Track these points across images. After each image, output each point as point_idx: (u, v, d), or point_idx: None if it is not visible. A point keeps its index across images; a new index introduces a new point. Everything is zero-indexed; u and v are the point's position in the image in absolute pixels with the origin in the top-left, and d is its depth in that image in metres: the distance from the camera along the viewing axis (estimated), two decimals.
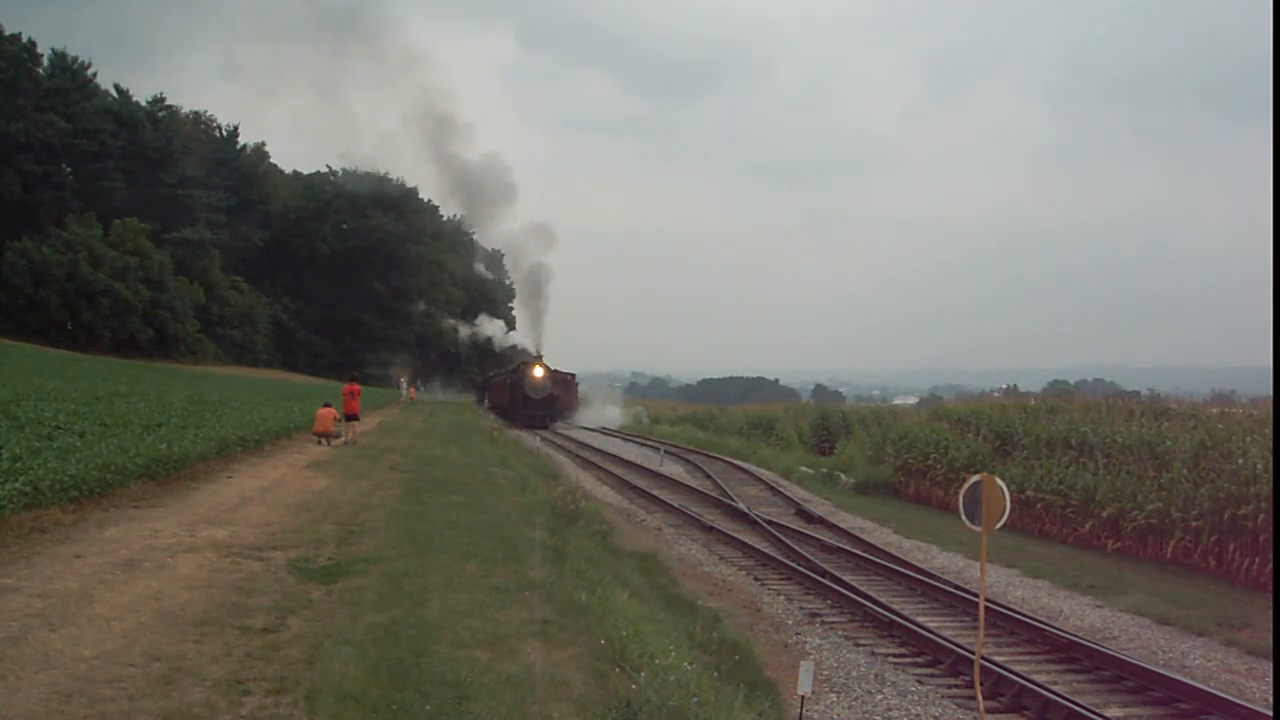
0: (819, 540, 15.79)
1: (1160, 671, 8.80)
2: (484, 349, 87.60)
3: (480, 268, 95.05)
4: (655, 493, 21.19)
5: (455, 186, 67.93)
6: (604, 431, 44.76)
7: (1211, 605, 12.11)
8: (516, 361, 56.48)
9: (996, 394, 34.60)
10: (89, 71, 70.49)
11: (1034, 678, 8.46)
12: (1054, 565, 14.65)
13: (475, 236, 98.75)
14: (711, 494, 21.06)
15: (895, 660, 9.49)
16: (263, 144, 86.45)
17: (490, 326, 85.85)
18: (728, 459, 29.62)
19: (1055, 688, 8.24)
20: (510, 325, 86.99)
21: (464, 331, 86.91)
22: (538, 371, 47.64)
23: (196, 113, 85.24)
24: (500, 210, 70.42)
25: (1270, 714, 7.58)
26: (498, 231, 71.93)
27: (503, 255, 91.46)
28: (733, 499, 20.00)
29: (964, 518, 7.27)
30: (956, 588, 12.17)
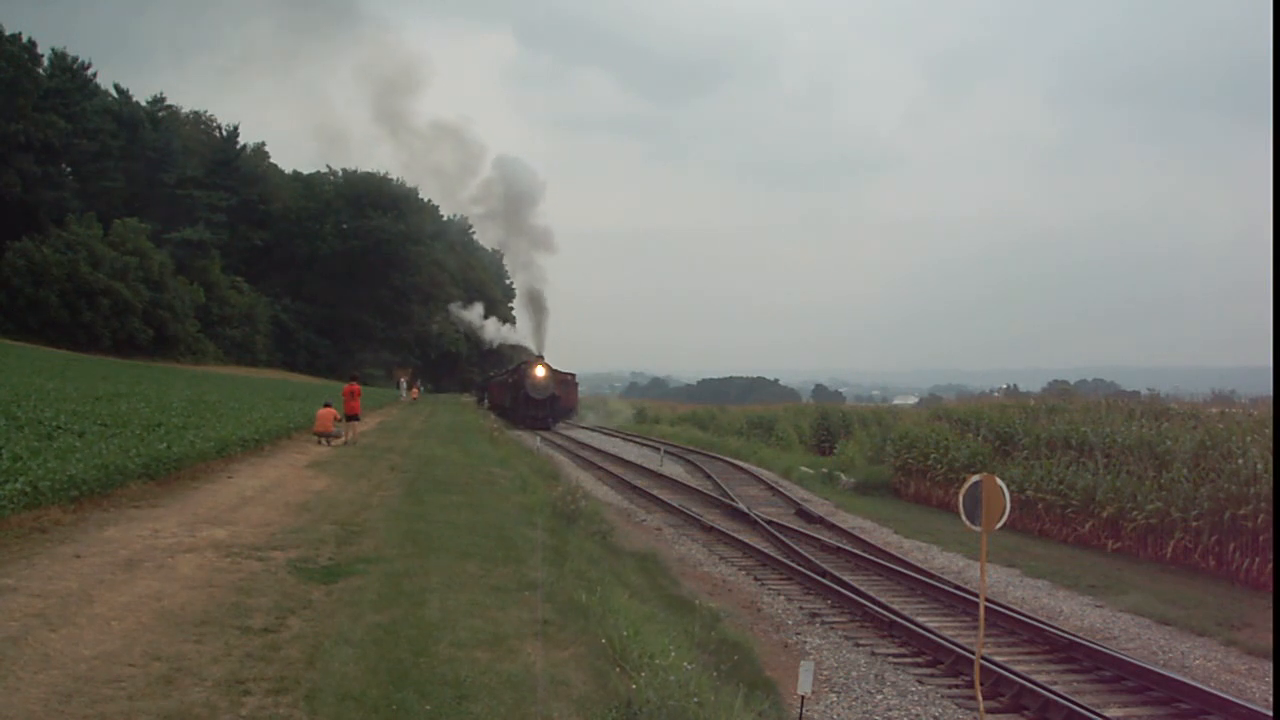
0: (819, 540, 15.79)
1: (1160, 671, 8.80)
2: (485, 349, 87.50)
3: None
4: (655, 493, 21.19)
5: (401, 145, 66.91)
6: (604, 431, 44.75)
7: (1211, 605, 12.11)
8: (517, 360, 56.12)
9: (996, 394, 34.57)
10: (89, 71, 70.55)
11: (1034, 678, 8.46)
12: (1054, 565, 14.65)
13: (475, 235, 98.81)
14: (711, 494, 21.05)
15: (895, 660, 9.49)
16: (263, 144, 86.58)
17: (469, 314, 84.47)
18: (728, 459, 29.62)
19: (1055, 688, 8.24)
20: (491, 317, 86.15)
21: (437, 324, 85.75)
22: (540, 371, 46.65)
23: (196, 113, 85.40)
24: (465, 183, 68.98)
25: (1270, 714, 7.58)
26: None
27: (502, 255, 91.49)
28: (733, 499, 19.99)
29: (964, 518, 7.27)
30: (956, 588, 12.17)
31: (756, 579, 13.12)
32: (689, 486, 22.55)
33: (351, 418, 21.29)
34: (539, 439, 32.42)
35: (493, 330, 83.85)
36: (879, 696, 8.39)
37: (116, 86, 75.27)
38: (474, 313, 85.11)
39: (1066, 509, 17.11)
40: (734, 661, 8.15)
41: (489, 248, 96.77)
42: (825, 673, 8.94)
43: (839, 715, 7.98)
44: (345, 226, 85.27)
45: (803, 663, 7.11)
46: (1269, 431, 14.80)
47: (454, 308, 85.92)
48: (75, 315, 55.22)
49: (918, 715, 8.01)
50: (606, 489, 22.53)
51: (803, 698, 7.04)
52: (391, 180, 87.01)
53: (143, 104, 76.62)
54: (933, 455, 21.97)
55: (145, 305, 58.75)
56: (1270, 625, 10.76)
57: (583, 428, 46.89)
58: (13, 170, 58.08)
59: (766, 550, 14.67)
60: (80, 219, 58.49)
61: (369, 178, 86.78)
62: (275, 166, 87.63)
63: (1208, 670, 9.56)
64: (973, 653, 8.14)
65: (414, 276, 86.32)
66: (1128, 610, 11.87)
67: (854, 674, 8.96)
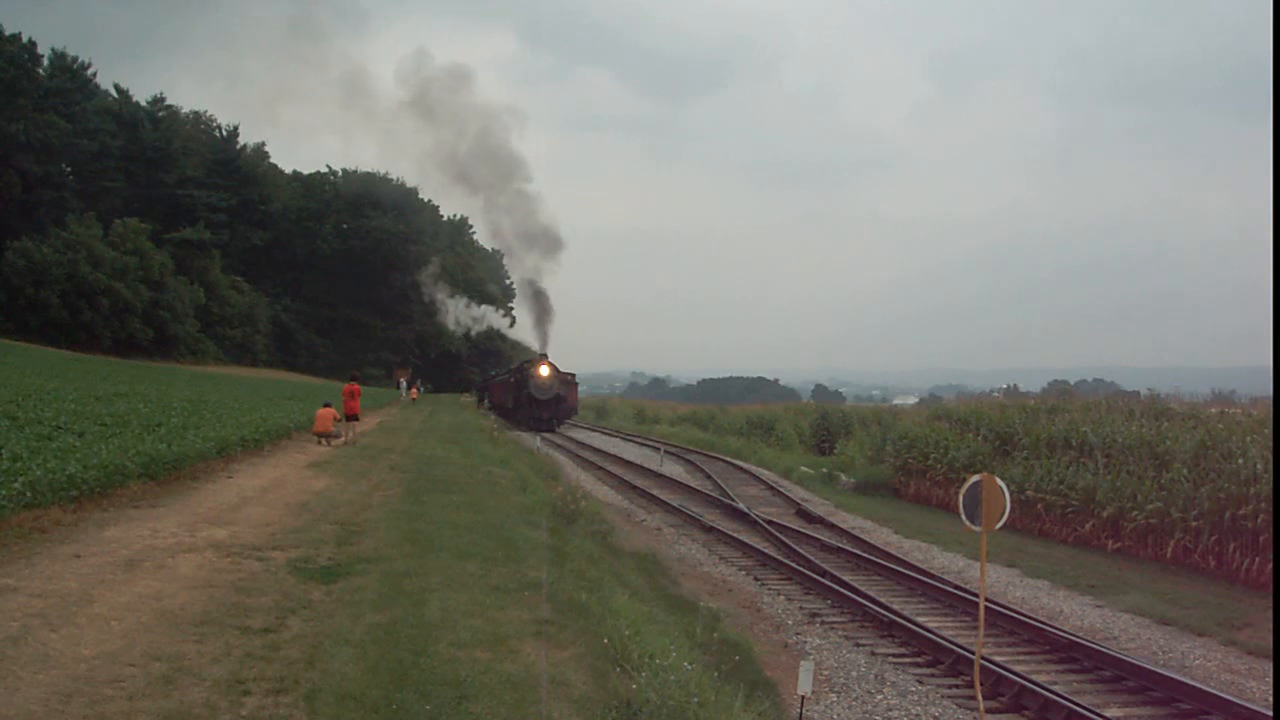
0: (819, 540, 15.78)
1: (1160, 671, 8.80)
2: (485, 348, 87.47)
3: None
4: (655, 493, 21.19)
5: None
6: (604, 431, 44.68)
7: (1211, 605, 12.11)
8: (518, 359, 55.38)
9: (996, 394, 34.54)
10: (89, 71, 70.55)
11: (1034, 678, 8.46)
12: (1054, 565, 14.65)
13: (475, 236, 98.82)
14: (711, 494, 21.05)
15: (895, 660, 9.48)
16: (263, 144, 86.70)
17: (424, 272, 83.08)
18: (728, 459, 29.61)
19: (1055, 688, 8.24)
20: (462, 298, 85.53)
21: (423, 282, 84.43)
22: (543, 370, 43.56)
23: (196, 113, 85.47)
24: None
25: (1270, 714, 7.58)
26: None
27: (503, 255, 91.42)
28: (733, 499, 19.99)
29: (964, 518, 7.26)
30: (956, 588, 12.17)
31: (757, 579, 13.12)
32: (689, 486, 22.55)
33: (351, 418, 21.29)
34: (539, 439, 32.39)
35: (457, 308, 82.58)
36: (879, 696, 8.39)
37: (116, 86, 75.46)
38: (427, 271, 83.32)
39: (1066, 509, 17.10)
40: (734, 662, 8.15)
41: (489, 247, 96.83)
42: (825, 673, 8.94)
43: (839, 715, 7.97)
44: (345, 226, 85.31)
45: (803, 663, 7.11)
46: (1269, 431, 14.80)
47: (422, 278, 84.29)
48: (75, 315, 55.24)
49: (918, 715, 8.01)
50: (606, 489, 22.53)
51: (803, 698, 7.04)
52: (391, 180, 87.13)
53: (143, 104, 76.69)
54: (933, 455, 21.96)
55: (145, 305, 58.79)
56: (1270, 625, 10.76)
57: (582, 427, 46.77)
58: (13, 170, 58.11)
59: (767, 550, 14.67)
60: (80, 219, 58.51)
61: (369, 178, 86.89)
62: (275, 166, 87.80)
63: (1208, 670, 9.56)
64: (973, 653, 8.14)
65: (414, 276, 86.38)
66: (1128, 610, 11.86)
67: (854, 674, 8.96)
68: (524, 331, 67.82)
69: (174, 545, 8.57)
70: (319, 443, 20.03)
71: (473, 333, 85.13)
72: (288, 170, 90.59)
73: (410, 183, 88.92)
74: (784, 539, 15.49)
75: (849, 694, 8.43)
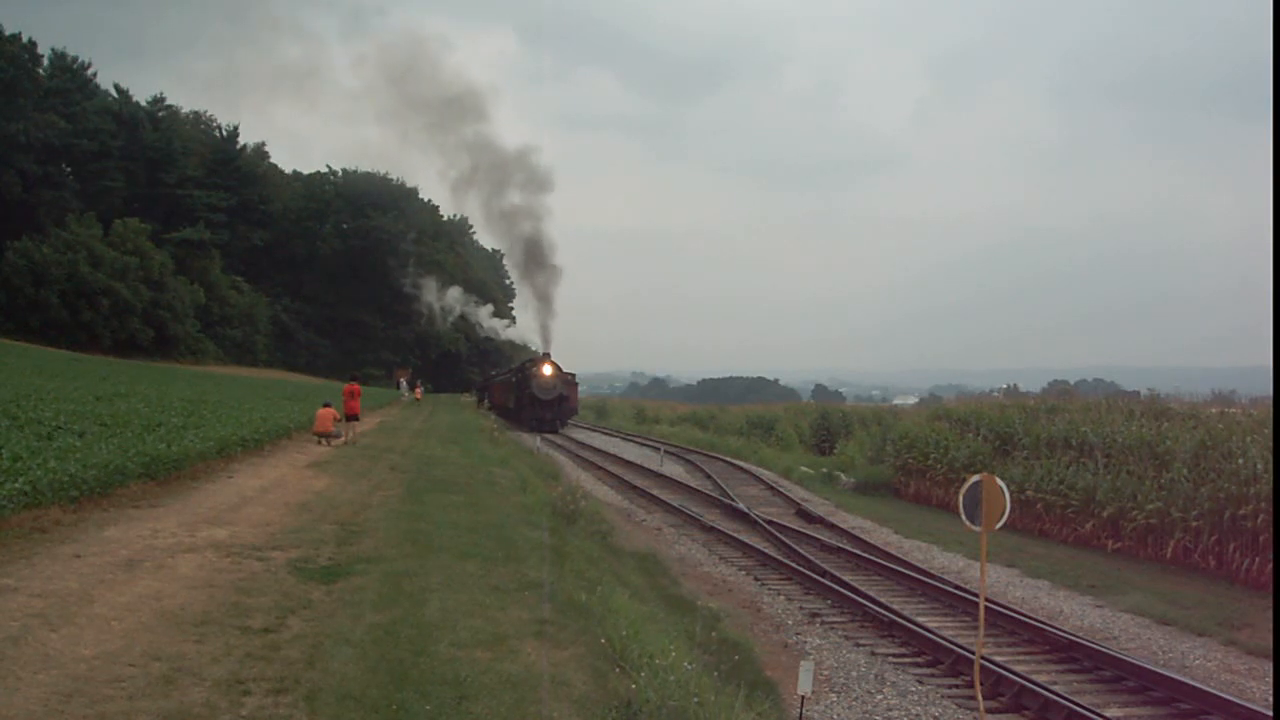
0: (819, 540, 15.79)
1: (1160, 671, 8.80)
2: (485, 348, 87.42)
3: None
4: (655, 492, 21.19)
5: None
6: (604, 431, 44.68)
7: (1211, 605, 12.11)
8: (520, 359, 55.11)
9: (996, 394, 34.52)
10: (89, 71, 70.61)
11: (1034, 678, 8.46)
12: (1054, 565, 14.65)
13: (475, 236, 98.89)
14: (711, 494, 21.06)
15: (895, 660, 9.49)
16: (263, 144, 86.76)
17: (399, 252, 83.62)
18: (728, 459, 29.62)
19: (1055, 688, 8.24)
20: (453, 287, 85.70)
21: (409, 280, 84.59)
22: (546, 370, 42.64)
23: (196, 113, 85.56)
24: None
25: (1270, 714, 7.58)
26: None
27: (503, 255, 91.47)
28: (733, 499, 19.99)
29: (964, 518, 7.27)
30: (956, 588, 12.17)
31: (757, 579, 13.12)
32: (689, 486, 22.55)
33: (351, 418, 21.29)
34: (539, 439, 32.38)
35: (430, 293, 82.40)
36: (879, 696, 8.39)
37: (116, 86, 75.55)
38: (406, 253, 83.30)
39: (1066, 509, 17.10)
40: (734, 661, 8.15)
41: (489, 248, 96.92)
42: (825, 673, 8.94)
43: (839, 715, 7.98)
44: (345, 226, 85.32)
45: (803, 663, 7.11)
46: (1269, 431, 14.80)
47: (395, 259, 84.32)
48: (75, 315, 55.26)
49: (918, 715, 8.01)
50: (606, 489, 22.52)
51: (803, 698, 7.04)
52: (391, 180, 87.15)
53: (143, 104, 76.76)
54: (933, 455, 21.97)
55: (145, 305, 58.80)
56: (1270, 625, 10.76)
57: (582, 427, 46.76)
58: (13, 170, 58.15)
59: (767, 550, 14.67)
60: (80, 219, 58.55)
61: (369, 177, 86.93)
62: (275, 166, 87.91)
63: (1208, 670, 9.56)
64: (973, 653, 8.14)
65: (401, 267, 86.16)
66: (1128, 610, 11.87)
67: (854, 674, 8.96)
68: (524, 326, 67.24)
69: (174, 545, 8.57)
70: (319, 443, 20.02)
71: (446, 323, 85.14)
72: (288, 170, 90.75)
73: (409, 182, 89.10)
74: (784, 539, 15.49)
75: (849, 694, 8.43)
